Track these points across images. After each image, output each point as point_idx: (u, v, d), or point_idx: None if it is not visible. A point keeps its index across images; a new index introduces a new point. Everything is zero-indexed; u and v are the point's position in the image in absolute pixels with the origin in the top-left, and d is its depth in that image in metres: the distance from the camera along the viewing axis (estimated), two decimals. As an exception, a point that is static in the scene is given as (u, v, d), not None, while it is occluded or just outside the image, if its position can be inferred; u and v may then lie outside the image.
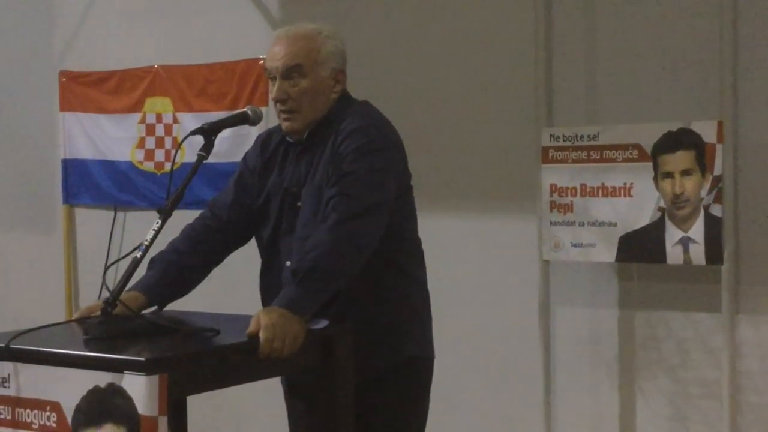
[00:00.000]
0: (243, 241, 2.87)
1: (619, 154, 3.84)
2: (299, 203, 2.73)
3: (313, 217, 2.67)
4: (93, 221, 5.26)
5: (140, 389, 2.14)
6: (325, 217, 2.60)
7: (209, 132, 2.64)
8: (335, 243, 2.54)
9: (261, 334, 2.38)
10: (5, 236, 5.55)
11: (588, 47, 4.03)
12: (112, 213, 5.19)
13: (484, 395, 4.28)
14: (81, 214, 5.33)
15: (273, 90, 2.73)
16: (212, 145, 2.64)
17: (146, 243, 2.49)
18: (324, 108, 2.74)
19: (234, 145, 4.54)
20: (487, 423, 4.28)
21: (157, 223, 2.51)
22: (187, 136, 2.65)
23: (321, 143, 2.72)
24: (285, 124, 2.74)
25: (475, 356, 4.28)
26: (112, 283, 2.48)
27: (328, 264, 2.52)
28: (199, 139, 2.63)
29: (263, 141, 2.89)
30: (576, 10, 4.04)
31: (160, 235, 2.51)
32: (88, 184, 5.26)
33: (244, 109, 2.78)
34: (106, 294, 2.48)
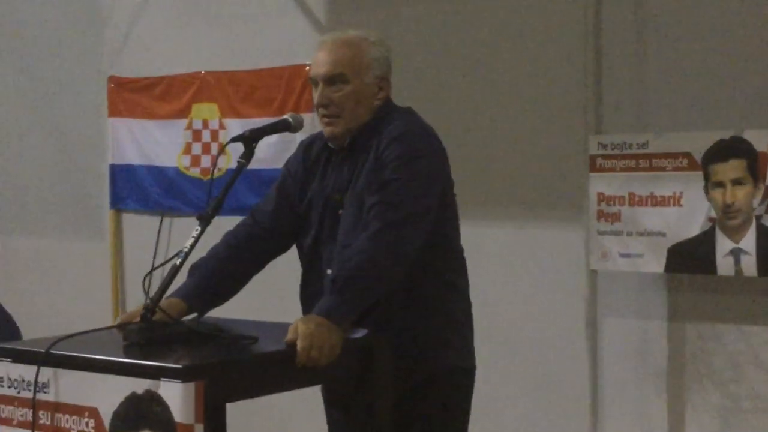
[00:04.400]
0: (284, 248, 2.85)
1: (668, 162, 3.77)
2: (341, 211, 2.70)
3: (355, 224, 2.64)
4: (140, 226, 5.29)
5: (177, 396, 2.13)
6: (367, 224, 2.58)
7: (250, 139, 2.63)
8: (376, 251, 2.51)
9: (298, 343, 2.35)
10: (54, 241, 5.61)
11: (638, 53, 3.97)
12: (159, 218, 5.21)
13: (530, 408, 4.22)
14: (128, 219, 5.37)
15: (315, 95, 2.72)
16: (253, 153, 2.64)
17: (185, 250, 2.48)
18: (366, 115, 2.71)
19: (278, 152, 4.53)
20: (532, 436, 4.23)
21: (197, 229, 2.50)
22: (227, 143, 2.65)
23: (363, 150, 2.69)
24: (326, 129, 2.72)
25: (521, 368, 4.22)
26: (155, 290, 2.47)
27: (367, 272, 2.49)
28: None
29: (306, 147, 2.87)
30: (626, 14, 3.98)
31: (201, 242, 2.51)
32: (135, 189, 5.29)
33: (285, 116, 2.77)
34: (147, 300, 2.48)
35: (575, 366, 4.05)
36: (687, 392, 3.91)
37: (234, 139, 2.64)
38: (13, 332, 3.48)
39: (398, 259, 2.54)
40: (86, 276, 5.46)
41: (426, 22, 4.45)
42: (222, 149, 2.70)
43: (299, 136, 3.79)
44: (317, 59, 2.72)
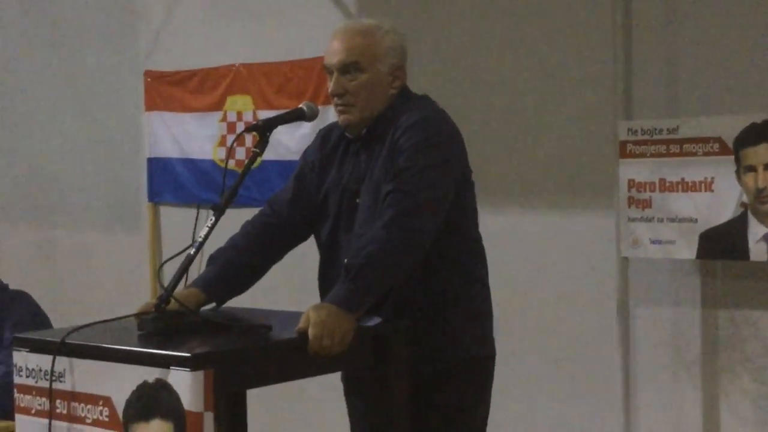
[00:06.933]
0: (302, 238, 2.86)
1: (699, 147, 3.71)
2: (358, 200, 2.70)
3: (372, 214, 2.64)
4: (177, 219, 5.34)
5: (186, 384, 2.16)
6: (381, 213, 2.57)
7: (264, 128, 2.64)
8: (389, 239, 2.51)
9: (310, 331, 2.36)
10: (93, 233, 5.68)
11: (668, 36, 3.91)
12: (195, 210, 5.25)
13: (561, 397, 4.18)
14: (165, 212, 5.41)
15: (330, 84, 2.72)
16: (267, 142, 2.65)
17: (199, 239, 2.50)
18: (382, 103, 2.71)
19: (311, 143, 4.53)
20: (565, 426, 4.18)
21: (211, 219, 2.52)
22: (241, 133, 2.66)
23: (380, 139, 2.69)
24: (341, 118, 2.72)
25: (552, 357, 4.18)
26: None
27: (380, 260, 2.49)
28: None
29: (323, 137, 2.87)
30: (656, -1, 3.93)
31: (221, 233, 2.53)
32: (172, 182, 5.33)
33: (300, 105, 2.78)
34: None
35: (607, 354, 4.00)
36: (721, 379, 3.85)
37: (248, 129, 2.66)
38: (43, 322, 3.53)
39: (412, 247, 2.54)
40: (125, 268, 5.52)
41: (455, 10, 4.42)
42: (236, 139, 2.72)
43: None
44: (331, 48, 2.72)
